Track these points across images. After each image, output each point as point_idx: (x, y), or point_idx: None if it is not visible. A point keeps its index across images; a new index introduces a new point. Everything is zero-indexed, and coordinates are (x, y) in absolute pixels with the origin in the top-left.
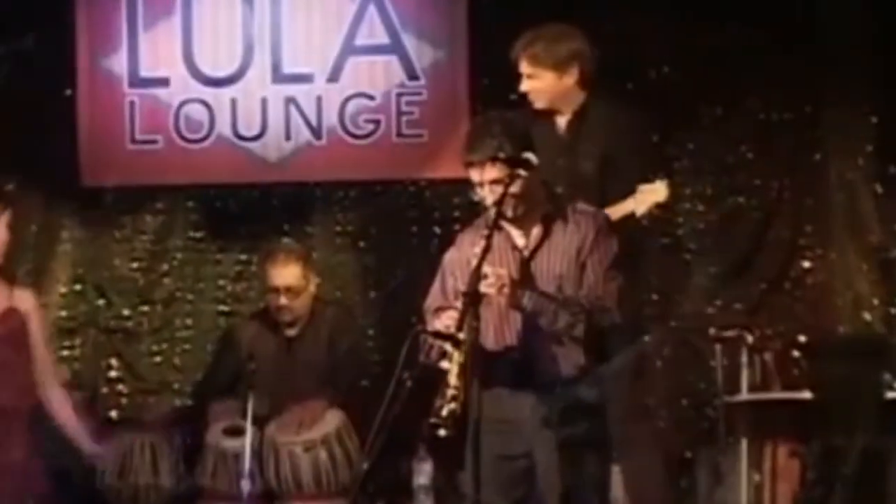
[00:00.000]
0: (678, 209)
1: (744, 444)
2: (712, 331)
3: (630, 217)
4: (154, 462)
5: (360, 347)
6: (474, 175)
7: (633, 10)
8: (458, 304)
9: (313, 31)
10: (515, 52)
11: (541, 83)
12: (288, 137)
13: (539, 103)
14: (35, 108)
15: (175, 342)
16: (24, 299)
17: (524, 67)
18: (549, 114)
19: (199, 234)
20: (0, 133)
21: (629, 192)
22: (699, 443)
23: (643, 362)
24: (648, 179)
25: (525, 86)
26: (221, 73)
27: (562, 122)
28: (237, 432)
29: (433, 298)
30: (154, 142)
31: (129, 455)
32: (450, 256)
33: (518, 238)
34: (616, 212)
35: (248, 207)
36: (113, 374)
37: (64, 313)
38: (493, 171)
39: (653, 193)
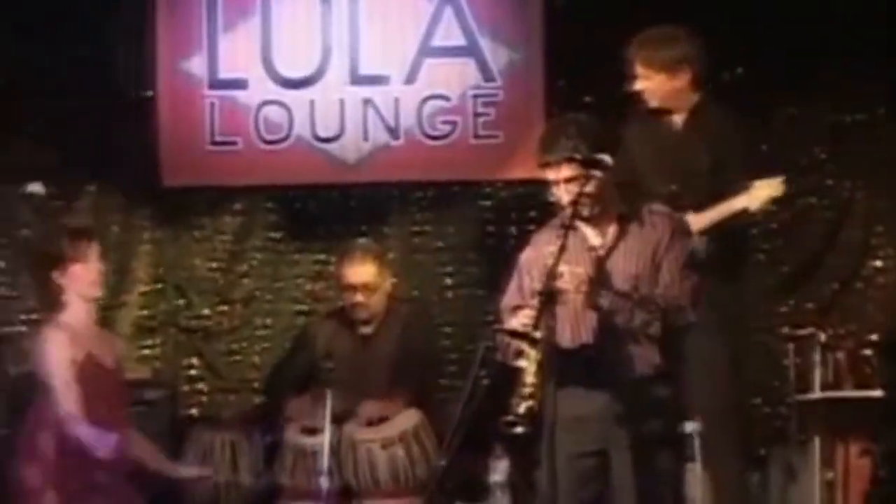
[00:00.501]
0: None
1: (816, 441)
2: (785, 330)
3: (743, 213)
4: (234, 459)
5: (435, 346)
6: (550, 175)
7: (706, 12)
8: (535, 302)
9: (390, 33)
10: (630, 53)
11: (652, 84)
12: (365, 138)
13: (653, 102)
14: (117, 111)
15: (254, 341)
16: (119, 345)
17: (637, 68)
18: (663, 113)
19: (277, 235)
20: (83, 135)
21: (735, 189)
22: (772, 441)
23: (721, 360)
24: (755, 177)
25: (638, 85)
26: (300, 75)
27: (677, 120)
28: (315, 430)
29: (510, 297)
30: (233, 143)
31: (210, 452)
32: (526, 256)
33: (593, 238)
34: (728, 208)
35: (326, 208)
36: (193, 372)
37: (145, 312)
38: (567, 171)
39: (769, 189)
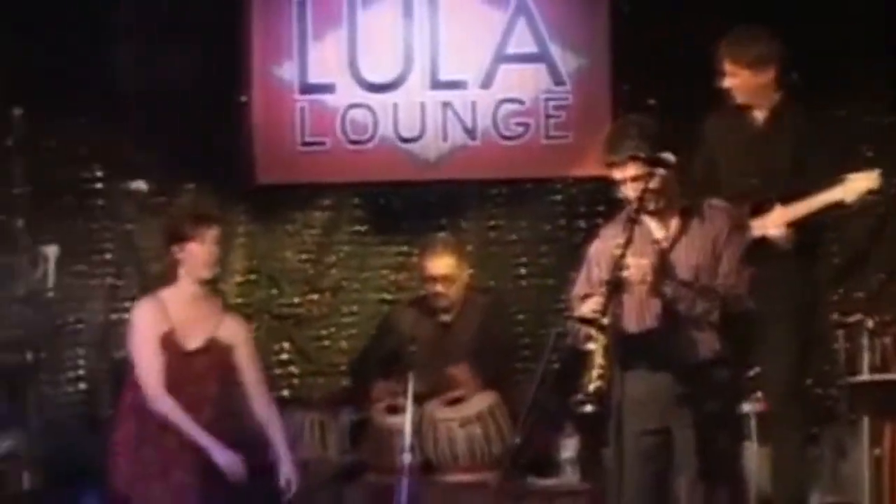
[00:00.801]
0: None
1: (865, 421)
2: (835, 317)
3: (837, 205)
4: (322, 437)
5: (510, 332)
6: (616, 173)
7: (762, 14)
8: (603, 291)
9: (468, 42)
10: (718, 50)
11: (738, 80)
12: (445, 139)
13: (739, 99)
14: (214, 114)
15: (341, 327)
16: (232, 328)
17: (725, 66)
18: (747, 109)
19: (363, 228)
20: (183, 136)
21: (817, 186)
22: (824, 420)
23: (794, 345)
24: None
25: (725, 82)
26: (383, 80)
27: (759, 116)
28: (399, 409)
29: (579, 287)
30: (322, 143)
31: (300, 432)
32: (594, 248)
33: (657, 231)
34: (823, 200)
35: (408, 203)
36: (285, 356)
37: (240, 301)
38: (632, 170)
39: (866, 181)
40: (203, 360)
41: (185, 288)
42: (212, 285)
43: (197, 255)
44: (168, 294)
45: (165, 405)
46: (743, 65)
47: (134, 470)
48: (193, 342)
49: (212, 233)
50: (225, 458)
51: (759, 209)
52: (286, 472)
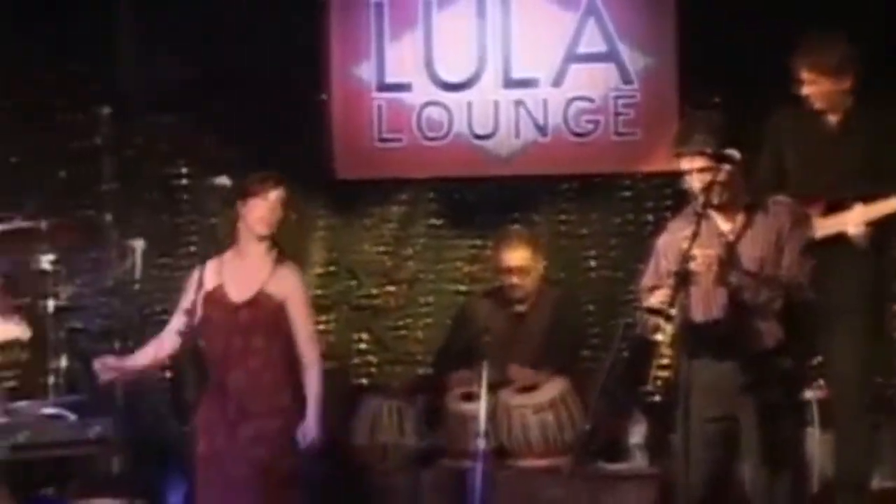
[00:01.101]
0: None
1: None
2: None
3: None
4: (400, 424)
5: (581, 322)
6: (684, 164)
7: (827, 14)
8: (670, 282)
9: (539, 42)
10: (796, 59)
11: (817, 88)
12: (517, 136)
13: (817, 105)
14: (295, 111)
15: (418, 318)
16: (285, 282)
17: (803, 74)
18: (821, 112)
19: (438, 222)
20: (266, 133)
21: (891, 186)
22: (884, 409)
23: (866, 335)
24: None
25: (804, 90)
26: (458, 79)
27: (833, 120)
28: (474, 397)
29: (648, 278)
30: (398, 140)
31: (378, 417)
32: (662, 241)
33: (723, 224)
34: (891, 205)
35: (482, 198)
36: (363, 346)
37: (320, 292)
38: (699, 162)
39: None
40: (249, 312)
41: (243, 245)
42: (271, 243)
43: (257, 210)
44: (229, 253)
45: (157, 346)
46: (823, 73)
47: (211, 444)
48: (241, 295)
49: (276, 193)
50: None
51: (835, 207)
52: (309, 425)
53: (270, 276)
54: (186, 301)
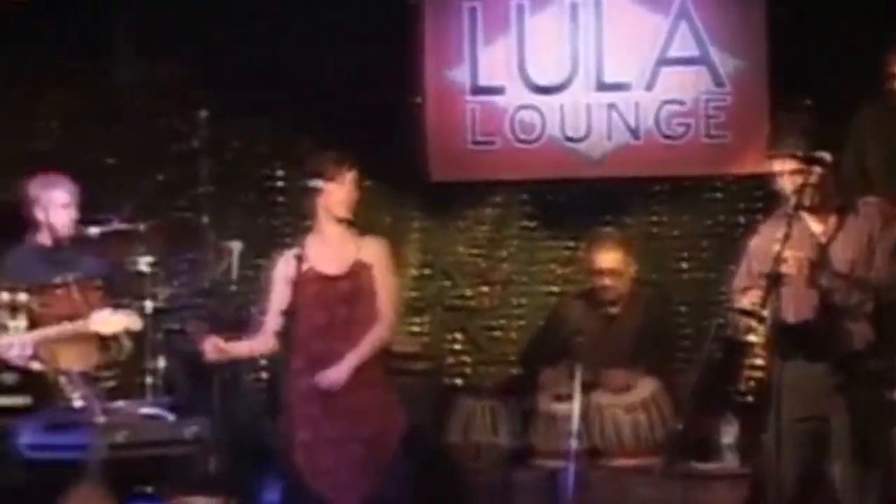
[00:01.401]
0: None
1: None
2: None
3: None
4: (493, 423)
5: (672, 323)
6: (776, 165)
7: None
8: (762, 284)
9: (631, 45)
10: (890, 55)
11: None
12: (609, 138)
13: None
14: (390, 114)
15: (511, 318)
16: (372, 249)
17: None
18: None
19: (531, 224)
20: (361, 136)
21: None
22: None
23: None
24: None
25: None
26: (551, 83)
27: None
28: (566, 397)
29: (739, 280)
30: (492, 143)
31: (472, 417)
32: (753, 243)
33: (814, 226)
34: None
35: (575, 200)
36: (457, 346)
37: (414, 294)
38: (791, 164)
39: None
40: (349, 283)
41: (323, 228)
42: (348, 224)
43: (335, 194)
44: (309, 239)
45: (258, 342)
46: None
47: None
48: (337, 269)
49: (350, 175)
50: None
51: None
52: (338, 367)
53: (359, 246)
54: (280, 300)
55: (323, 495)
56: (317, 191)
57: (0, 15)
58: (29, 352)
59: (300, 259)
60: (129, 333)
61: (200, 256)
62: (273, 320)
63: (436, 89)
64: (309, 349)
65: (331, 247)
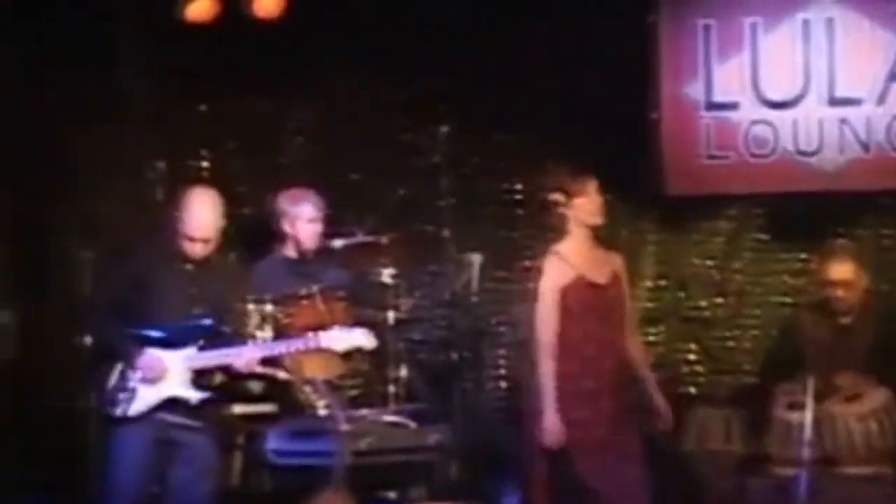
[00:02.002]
0: None
1: None
2: None
3: None
4: (727, 432)
5: None
6: None
7: None
8: None
9: (862, 62)
10: None
11: None
12: (841, 152)
13: None
14: (626, 130)
15: (745, 329)
16: (618, 261)
17: None
18: None
19: (765, 236)
20: (597, 150)
21: None
22: None
23: None
24: None
25: None
26: (783, 98)
27: None
28: (799, 406)
29: None
30: (726, 157)
31: (706, 425)
32: None
33: None
34: None
35: (807, 213)
36: (692, 356)
37: (650, 305)
38: None
39: None
40: (613, 292)
41: (578, 238)
42: (597, 231)
43: (584, 207)
44: (565, 247)
45: (546, 364)
46: None
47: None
48: (602, 278)
49: (592, 183)
50: (551, 422)
51: None
52: (660, 405)
53: (609, 257)
54: (551, 308)
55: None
56: (562, 204)
57: (250, 31)
58: (256, 363)
59: (567, 267)
60: (370, 346)
61: (442, 269)
62: (549, 336)
63: (671, 105)
64: (582, 355)
65: (589, 254)
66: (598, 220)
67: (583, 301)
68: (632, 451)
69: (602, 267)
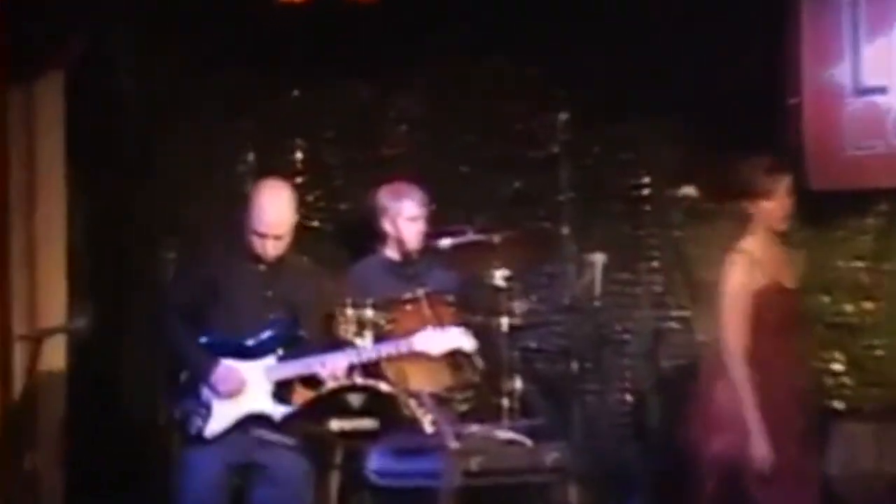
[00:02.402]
0: None
1: None
2: None
3: None
4: (878, 450)
5: None
6: None
7: None
8: None
9: None
10: None
11: None
12: None
13: None
14: (762, 118)
15: None
16: (800, 262)
17: None
18: None
19: None
20: (731, 141)
21: None
22: None
23: None
24: None
25: None
26: None
27: None
28: None
29: None
30: (874, 147)
31: (855, 444)
32: None
33: None
34: None
35: None
36: (836, 366)
37: None
38: None
39: None
40: (797, 298)
41: (763, 238)
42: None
43: (771, 210)
44: (750, 245)
45: (738, 371)
46: None
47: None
48: (792, 282)
49: (784, 185)
50: (761, 449)
51: None
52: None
53: (793, 256)
54: (742, 312)
55: None
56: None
57: (348, 10)
58: (342, 372)
59: (753, 268)
60: (482, 352)
61: (560, 270)
62: (737, 342)
63: (814, 91)
64: (770, 362)
65: (777, 258)
66: (784, 224)
67: (775, 308)
68: (811, 478)
69: (790, 271)
